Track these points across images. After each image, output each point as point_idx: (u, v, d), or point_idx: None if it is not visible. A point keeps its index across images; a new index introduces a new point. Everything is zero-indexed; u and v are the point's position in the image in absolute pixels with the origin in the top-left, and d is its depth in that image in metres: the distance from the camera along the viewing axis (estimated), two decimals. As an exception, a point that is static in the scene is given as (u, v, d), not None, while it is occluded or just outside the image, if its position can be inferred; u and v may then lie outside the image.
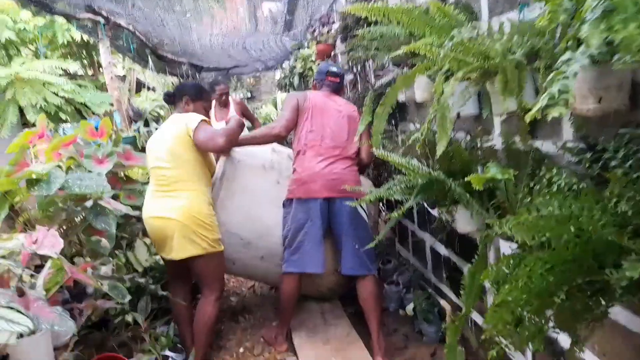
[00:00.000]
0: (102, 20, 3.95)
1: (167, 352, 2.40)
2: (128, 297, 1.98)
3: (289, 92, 9.98)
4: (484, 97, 2.01)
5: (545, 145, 1.63)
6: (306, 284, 2.66)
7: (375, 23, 2.39)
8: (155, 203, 2.30)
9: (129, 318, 2.40)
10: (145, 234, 2.99)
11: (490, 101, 1.84)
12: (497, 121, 1.97)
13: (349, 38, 3.41)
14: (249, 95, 13.96)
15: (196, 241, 2.24)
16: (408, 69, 2.43)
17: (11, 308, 1.06)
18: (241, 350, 2.66)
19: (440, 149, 1.49)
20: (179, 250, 2.23)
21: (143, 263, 2.69)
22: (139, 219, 2.85)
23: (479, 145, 1.93)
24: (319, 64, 5.63)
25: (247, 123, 3.98)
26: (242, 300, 3.33)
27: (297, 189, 2.56)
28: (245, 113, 4.12)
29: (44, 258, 1.71)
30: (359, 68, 3.50)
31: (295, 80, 6.34)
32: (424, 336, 2.62)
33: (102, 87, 5.37)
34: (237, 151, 2.67)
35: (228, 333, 2.85)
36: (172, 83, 7.58)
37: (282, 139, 2.68)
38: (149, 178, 3.47)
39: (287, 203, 2.63)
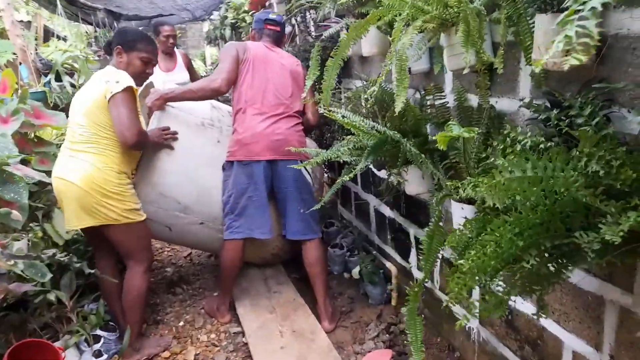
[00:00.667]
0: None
1: (99, 332, 2.19)
2: (49, 276, 1.74)
3: (219, 45, 9.45)
4: (436, 52, 1.93)
5: (501, 103, 1.58)
6: (248, 250, 2.53)
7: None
8: (62, 162, 2.07)
9: (51, 297, 2.14)
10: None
11: (443, 55, 1.76)
12: (448, 77, 1.90)
13: (287, -14, 3.16)
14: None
15: (100, 211, 2.01)
16: (355, 19, 2.28)
17: None
18: (181, 324, 2.51)
19: (398, 106, 1.38)
20: (74, 219, 2.03)
21: (64, 236, 2.39)
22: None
23: (430, 103, 1.85)
24: (252, 14, 5.30)
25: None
26: (178, 270, 3.14)
27: (238, 151, 2.38)
28: (189, 67, 3.74)
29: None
30: (298, 19, 3.28)
31: (227, 32, 5.94)
32: (369, 298, 2.62)
33: (4, 34, 4.66)
34: (175, 106, 2.42)
35: (165, 306, 2.68)
36: (87, 32, 6.81)
37: (221, 94, 2.46)
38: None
39: (228, 166, 2.45)
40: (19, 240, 1.98)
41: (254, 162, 2.36)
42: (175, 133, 2.37)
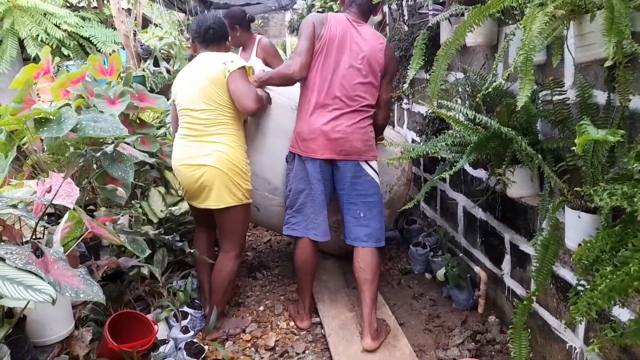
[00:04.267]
0: (107, -56, 3.56)
1: (186, 308, 2.27)
2: (148, 252, 1.82)
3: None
4: (555, 41, 1.76)
5: (635, 101, 1.40)
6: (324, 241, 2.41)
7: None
8: (189, 149, 2.11)
9: (144, 271, 2.26)
10: (158, 182, 2.81)
11: (565, 46, 1.59)
12: (568, 71, 1.72)
13: (383, -27, 3.06)
14: (256, 38, 13.40)
15: (233, 191, 2.09)
16: (464, 5, 2.12)
17: (30, 272, 0.87)
18: (261, 308, 2.54)
19: (522, 100, 1.26)
20: (217, 199, 2.08)
21: (158, 214, 2.51)
22: (153, 166, 2.66)
23: (549, 98, 1.69)
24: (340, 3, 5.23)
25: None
26: (259, 255, 3.19)
27: (297, 145, 2.26)
28: (267, 59, 3.66)
29: (56, 207, 1.52)
30: (393, 6, 3.16)
31: (313, 23, 5.94)
32: (454, 302, 2.49)
33: (107, 22, 5.00)
34: (272, 88, 2.41)
35: (246, 290, 2.73)
36: (179, 20, 7.14)
37: (297, 80, 2.27)
38: (161, 122, 3.28)
39: (290, 157, 2.33)
40: (122, 215, 2.09)
41: (310, 159, 2.22)
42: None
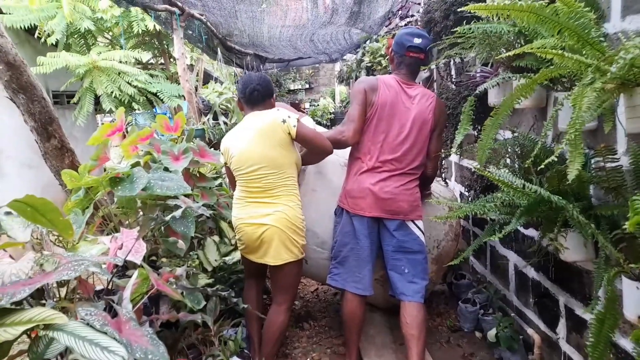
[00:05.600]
0: (177, 11, 3.95)
1: (235, 358, 2.33)
2: (203, 303, 1.92)
3: (349, 85, 9.80)
4: (605, 109, 1.76)
5: (694, 173, 1.37)
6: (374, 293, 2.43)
7: (477, 19, 2.17)
8: (250, 208, 2.20)
9: (198, 319, 2.35)
10: (214, 231, 2.96)
11: (616, 114, 1.60)
12: (620, 137, 1.71)
13: (432, 33, 3.18)
14: (307, 86, 13.92)
15: (290, 248, 2.17)
16: (506, 70, 2.18)
17: (105, 333, 0.98)
18: (308, 360, 2.56)
19: (573, 172, 1.28)
20: (275, 256, 2.16)
21: (212, 263, 2.64)
22: (208, 217, 2.81)
23: (601, 164, 1.68)
24: (388, 59, 5.42)
25: None
26: (305, 305, 3.23)
27: (345, 201, 2.36)
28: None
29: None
30: (440, 65, 3.25)
31: (362, 75, 6.15)
32: (506, 365, 2.40)
33: (172, 77, 5.45)
34: None
35: (293, 340, 2.76)
36: (235, 74, 7.61)
37: (349, 146, 2.37)
38: (216, 173, 3.47)
39: (338, 211, 2.44)
40: (180, 266, 2.22)
41: (358, 216, 2.30)
42: None
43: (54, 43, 5.40)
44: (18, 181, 5.36)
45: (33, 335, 1.24)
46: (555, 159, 1.26)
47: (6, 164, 5.26)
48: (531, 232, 2.36)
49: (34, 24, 5.33)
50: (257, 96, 2.25)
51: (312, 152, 2.28)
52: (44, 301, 1.33)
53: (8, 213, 1.47)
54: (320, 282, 3.44)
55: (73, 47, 5.63)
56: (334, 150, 2.36)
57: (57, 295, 1.45)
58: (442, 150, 2.43)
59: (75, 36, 5.68)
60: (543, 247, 2.16)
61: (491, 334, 2.45)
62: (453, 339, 2.73)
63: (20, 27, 5.16)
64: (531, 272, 2.40)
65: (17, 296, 1.06)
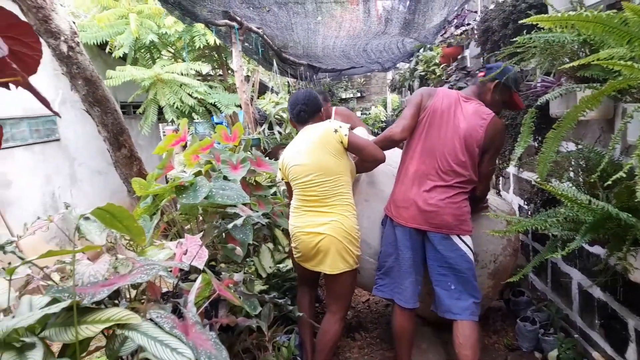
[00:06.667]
0: (236, 26, 4.11)
1: (288, 365, 2.38)
2: (259, 309, 1.98)
3: (402, 93, 9.73)
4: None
5: None
6: (423, 306, 2.40)
7: (538, 28, 2.11)
8: (307, 217, 2.24)
9: (253, 325, 2.42)
10: (268, 238, 3.04)
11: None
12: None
13: (489, 42, 3.11)
14: (358, 94, 13.96)
15: (345, 258, 2.20)
16: (569, 80, 2.10)
17: (174, 335, 1.05)
18: (360, 371, 2.56)
19: (644, 190, 1.21)
20: (332, 265, 2.19)
21: (267, 269, 2.71)
22: (263, 225, 2.89)
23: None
24: (443, 67, 5.34)
25: None
26: (357, 315, 3.24)
27: (390, 209, 2.35)
28: (344, 120, 3.87)
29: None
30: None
31: (416, 84, 6.10)
32: (569, 388, 2.29)
33: (229, 88, 5.68)
34: None
35: (344, 350, 2.77)
36: (289, 83, 7.79)
37: (397, 142, 2.36)
38: (271, 182, 3.57)
39: (385, 220, 2.42)
40: (237, 272, 2.30)
41: (400, 226, 2.27)
42: None
43: (122, 56, 5.79)
44: (89, 187, 5.77)
45: (107, 334, 1.35)
46: (624, 175, 1.20)
47: (79, 171, 5.67)
48: (597, 250, 2.25)
49: (106, 40, 5.75)
50: (304, 116, 2.35)
51: (364, 160, 2.31)
52: (117, 301, 1.44)
53: (87, 218, 1.59)
54: (371, 293, 3.43)
55: (140, 61, 6.02)
56: (386, 159, 2.35)
57: (128, 296, 1.56)
58: (499, 163, 2.35)
59: (142, 50, 6.07)
60: (610, 266, 2.06)
61: (552, 355, 2.34)
62: (511, 358, 2.63)
63: (94, 43, 5.58)
64: (597, 292, 2.28)
65: (97, 297, 1.16)
